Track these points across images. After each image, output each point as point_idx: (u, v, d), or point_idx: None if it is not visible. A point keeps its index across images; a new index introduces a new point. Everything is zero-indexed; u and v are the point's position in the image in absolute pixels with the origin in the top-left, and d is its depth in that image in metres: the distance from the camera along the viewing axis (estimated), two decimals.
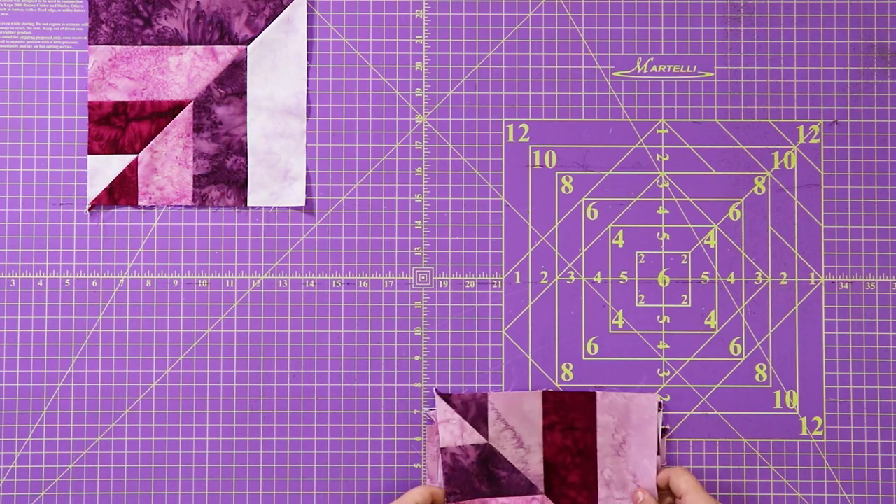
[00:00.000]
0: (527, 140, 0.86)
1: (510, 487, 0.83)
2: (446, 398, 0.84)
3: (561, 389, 0.85)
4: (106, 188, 0.85)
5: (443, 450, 0.83)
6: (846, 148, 0.86)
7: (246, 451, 0.85)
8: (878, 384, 0.85)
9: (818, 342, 0.86)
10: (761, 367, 0.85)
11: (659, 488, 0.83)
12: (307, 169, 0.86)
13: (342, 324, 0.86)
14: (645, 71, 0.87)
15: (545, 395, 0.84)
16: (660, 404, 0.84)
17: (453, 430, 0.83)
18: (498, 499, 0.83)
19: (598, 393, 0.84)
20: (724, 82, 0.87)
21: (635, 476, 0.83)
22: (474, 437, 0.83)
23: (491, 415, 0.84)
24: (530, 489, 0.83)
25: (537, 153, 0.86)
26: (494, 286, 0.86)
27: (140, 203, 0.85)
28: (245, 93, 0.86)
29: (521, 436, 0.83)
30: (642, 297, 0.86)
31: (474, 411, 0.84)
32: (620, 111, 0.86)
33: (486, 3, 0.87)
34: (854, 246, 0.86)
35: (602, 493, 0.83)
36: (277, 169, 0.86)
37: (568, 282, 0.86)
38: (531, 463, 0.83)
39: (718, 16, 0.87)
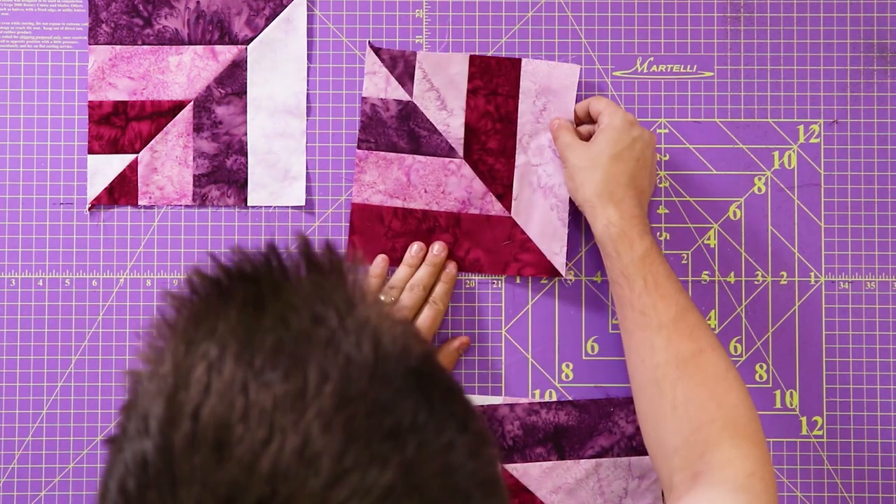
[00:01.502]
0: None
1: (429, 148, 0.84)
2: (377, 51, 0.84)
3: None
4: (106, 188, 0.85)
5: (364, 99, 0.84)
6: (846, 148, 0.86)
7: None
8: (878, 384, 0.85)
9: (818, 342, 0.86)
10: (761, 367, 0.85)
11: (580, 121, 0.84)
12: (307, 169, 0.86)
13: None
14: (645, 71, 0.87)
15: (472, 58, 0.85)
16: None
17: (378, 83, 0.84)
18: (416, 156, 0.84)
19: (524, 60, 0.85)
20: (724, 82, 0.87)
21: (552, 141, 0.84)
22: (398, 93, 0.84)
23: (418, 73, 0.84)
24: (450, 152, 0.84)
25: None
26: (494, 286, 0.86)
27: (140, 203, 0.85)
28: (245, 92, 0.86)
29: (444, 98, 0.84)
30: None
31: (402, 67, 0.84)
32: None
33: (486, 2, 0.87)
34: (854, 246, 0.86)
35: (519, 159, 0.84)
36: (277, 169, 0.86)
37: (568, 282, 0.86)
38: (452, 126, 0.84)
39: (718, 16, 0.87)
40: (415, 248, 0.83)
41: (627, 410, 0.84)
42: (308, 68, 0.86)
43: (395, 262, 0.85)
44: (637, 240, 0.74)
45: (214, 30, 0.86)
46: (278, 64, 0.86)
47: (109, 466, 0.36)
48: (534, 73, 0.85)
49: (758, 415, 0.71)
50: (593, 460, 0.84)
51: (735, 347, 0.86)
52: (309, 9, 0.86)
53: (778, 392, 0.85)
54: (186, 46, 0.86)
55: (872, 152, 0.86)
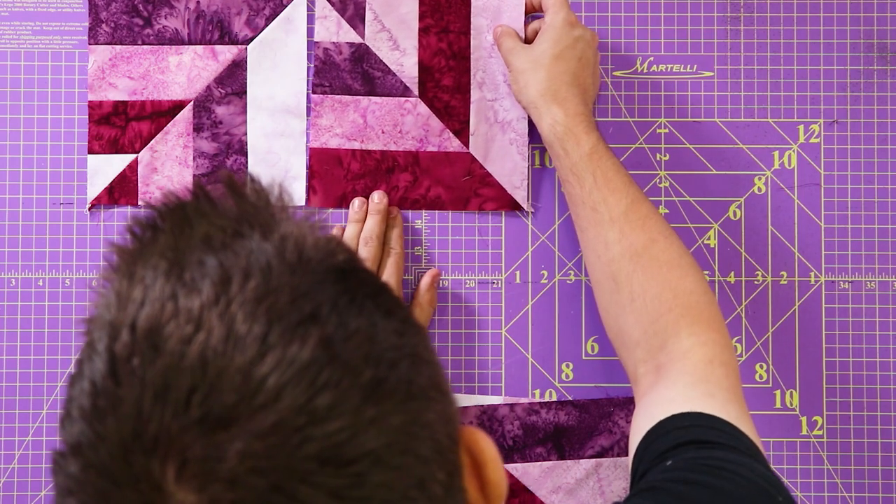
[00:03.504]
0: (527, 139, 0.86)
1: (384, 88, 0.85)
2: None
3: (561, 388, 0.85)
4: (106, 188, 0.85)
5: (316, 44, 0.85)
6: (846, 147, 0.86)
7: None
8: (878, 384, 0.85)
9: (818, 342, 0.86)
10: (761, 367, 0.85)
11: (532, 10, 0.84)
12: (307, 168, 0.86)
13: None
14: (645, 71, 0.87)
15: None
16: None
17: (329, 27, 0.85)
18: (371, 98, 0.84)
19: None
20: (724, 82, 0.87)
21: (507, 76, 0.84)
22: (350, 36, 0.84)
23: (368, 14, 0.85)
24: (405, 91, 0.85)
25: (537, 153, 0.86)
26: (494, 286, 0.86)
27: (140, 203, 0.85)
28: (245, 92, 0.86)
29: (396, 38, 0.85)
30: None
31: (352, 10, 0.85)
32: (620, 111, 0.86)
33: None
34: (854, 246, 0.86)
35: (475, 94, 0.85)
36: (277, 168, 0.86)
37: (568, 282, 0.86)
38: (406, 65, 0.85)
39: (718, 16, 0.87)
40: (356, 203, 0.84)
41: (627, 410, 0.84)
42: (308, 68, 0.86)
43: None
44: (583, 136, 0.75)
45: (214, 30, 0.86)
46: (278, 64, 0.86)
47: (69, 397, 0.39)
48: (484, 7, 0.85)
49: (714, 298, 0.71)
50: (593, 460, 0.84)
51: (735, 347, 0.85)
52: (309, 8, 0.86)
53: (778, 392, 0.85)
54: (186, 46, 0.86)
55: (872, 152, 0.86)
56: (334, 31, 0.85)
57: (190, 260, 0.38)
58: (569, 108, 0.76)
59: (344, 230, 0.83)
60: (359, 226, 0.83)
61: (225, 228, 0.40)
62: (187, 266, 0.38)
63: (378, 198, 0.84)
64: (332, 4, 0.85)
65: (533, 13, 0.85)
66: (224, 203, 0.41)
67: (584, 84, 0.79)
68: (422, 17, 0.85)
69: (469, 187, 0.85)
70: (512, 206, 0.85)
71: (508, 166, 0.85)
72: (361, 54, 0.84)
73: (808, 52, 0.87)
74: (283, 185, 0.43)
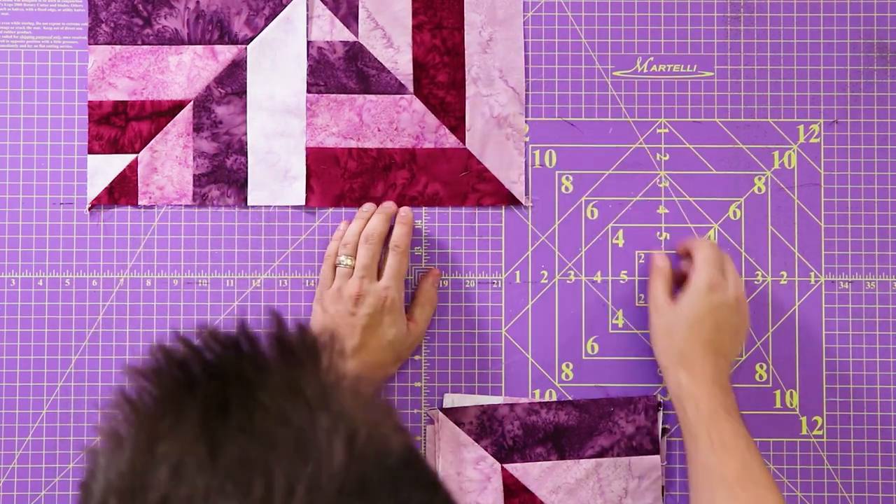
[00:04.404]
0: (527, 140, 0.86)
1: (379, 86, 0.85)
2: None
3: (561, 388, 0.85)
4: (106, 188, 0.85)
5: (310, 43, 0.85)
6: (846, 147, 0.86)
7: None
8: (878, 384, 0.85)
9: (818, 342, 0.86)
10: (761, 367, 0.85)
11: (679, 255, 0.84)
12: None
13: None
14: (645, 71, 0.87)
15: None
16: (660, 404, 0.84)
17: (323, 26, 0.85)
18: (366, 96, 0.85)
19: None
20: (724, 82, 0.87)
21: (502, 71, 0.85)
22: (343, 34, 0.85)
23: (361, 13, 0.85)
24: (399, 89, 0.85)
25: (537, 153, 0.86)
26: (494, 286, 0.86)
27: (140, 203, 0.85)
28: (245, 92, 0.86)
29: (390, 35, 0.85)
30: (642, 296, 0.86)
31: (345, 8, 0.85)
32: (620, 111, 0.86)
33: None
34: (854, 246, 0.86)
35: (470, 90, 0.85)
36: (277, 168, 0.86)
37: (568, 281, 0.86)
38: (400, 63, 0.85)
39: (718, 16, 0.87)
40: (366, 206, 0.84)
41: (627, 410, 0.84)
42: (308, 68, 0.86)
43: (353, 202, 0.85)
44: (704, 400, 0.76)
45: (214, 29, 0.86)
46: (278, 64, 0.86)
47: None
48: (478, 3, 0.85)
49: None
50: (593, 460, 0.84)
51: None
52: (308, 8, 0.86)
53: (778, 392, 0.85)
54: (186, 46, 0.86)
55: (872, 152, 0.86)
56: (328, 30, 0.85)
57: (226, 453, 0.34)
58: (695, 372, 0.77)
59: (348, 226, 0.83)
60: (363, 223, 0.83)
61: (268, 408, 0.35)
62: (222, 459, 0.34)
63: (388, 202, 0.84)
64: (325, 3, 0.85)
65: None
66: (267, 367, 0.36)
67: (721, 349, 0.78)
68: (415, 14, 0.85)
69: (466, 183, 0.85)
70: (509, 200, 0.85)
71: (506, 162, 0.85)
72: (355, 53, 0.85)
73: (808, 52, 0.87)
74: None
